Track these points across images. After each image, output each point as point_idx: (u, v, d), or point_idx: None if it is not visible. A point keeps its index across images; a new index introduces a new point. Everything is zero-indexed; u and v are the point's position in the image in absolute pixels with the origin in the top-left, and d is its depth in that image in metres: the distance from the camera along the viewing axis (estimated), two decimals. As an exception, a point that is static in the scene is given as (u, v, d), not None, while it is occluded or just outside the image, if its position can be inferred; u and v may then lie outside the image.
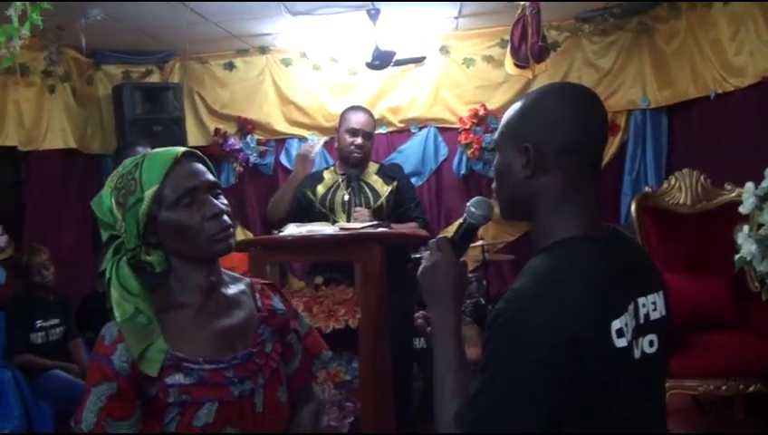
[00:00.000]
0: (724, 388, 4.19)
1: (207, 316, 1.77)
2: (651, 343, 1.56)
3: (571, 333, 1.41)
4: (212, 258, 1.79)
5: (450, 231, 6.39)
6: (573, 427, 1.46)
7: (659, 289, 1.64)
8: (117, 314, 1.67)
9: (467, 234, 1.79)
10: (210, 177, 1.78)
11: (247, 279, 1.96)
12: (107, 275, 1.71)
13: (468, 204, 1.79)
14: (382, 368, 3.57)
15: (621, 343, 1.48)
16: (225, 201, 1.79)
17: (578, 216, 1.58)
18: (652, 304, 1.59)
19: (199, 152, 1.83)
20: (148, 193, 1.68)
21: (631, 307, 1.54)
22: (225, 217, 1.75)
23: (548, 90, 1.65)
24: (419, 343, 4.92)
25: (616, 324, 1.47)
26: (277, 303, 1.95)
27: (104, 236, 1.77)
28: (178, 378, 1.67)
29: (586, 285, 1.48)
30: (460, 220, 1.80)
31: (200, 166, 1.78)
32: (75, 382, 4.79)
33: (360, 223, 3.93)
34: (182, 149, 1.77)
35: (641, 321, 1.55)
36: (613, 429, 1.49)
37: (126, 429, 1.62)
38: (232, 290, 1.86)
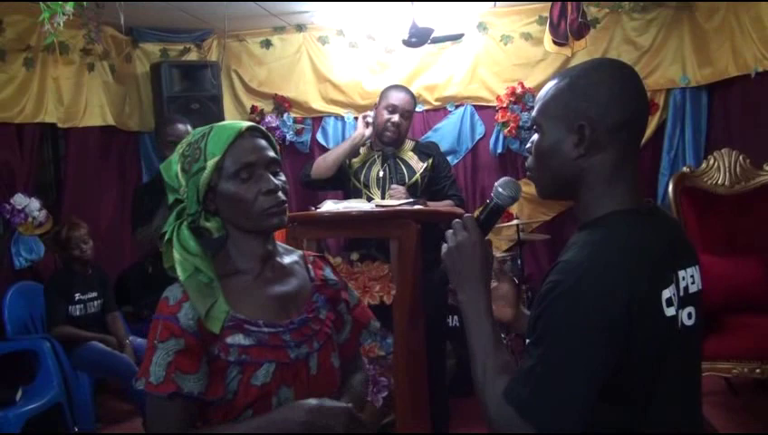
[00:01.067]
0: (758, 371, 4.13)
1: (264, 282, 1.85)
2: (690, 316, 1.57)
3: (626, 301, 1.42)
4: (264, 231, 1.85)
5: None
6: (622, 398, 1.48)
7: (696, 263, 1.64)
8: (179, 272, 1.75)
9: (494, 214, 1.77)
10: (271, 153, 1.84)
11: (300, 251, 2.04)
12: (167, 237, 1.79)
13: (496, 184, 1.77)
14: (416, 344, 3.58)
15: (670, 312, 1.50)
16: (284, 178, 1.86)
17: (626, 190, 1.58)
18: (690, 277, 1.60)
19: (264, 128, 1.89)
20: (210, 163, 1.76)
21: (674, 279, 1.55)
22: (280, 194, 1.81)
23: (592, 66, 1.64)
24: (453, 320, 4.93)
25: (666, 293, 1.50)
26: (328, 273, 2.03)
27: (170, 199, 1.85)
28: (239, 338, 1.75)
29: (638, 254, 1.49)
30: (487, 200, 1.79)
31: (263, 141, 1.84)
32: (112, 354, 4.88)
33: (397, 200, 3.94)
34: (248, 123, 1.85)
35: (681, 293, 1.55)
36: (658, 402, 1.50)
37: (194, 382, 1.69)
38: (286, 260, 1.95)
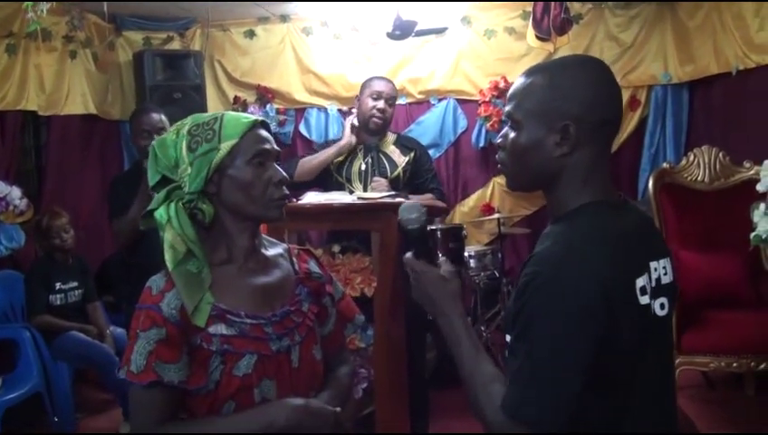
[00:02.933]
0: (735, 365, 4.20)
1: (248, 274, 1.87)
2: (662, 306, 1.59)
3: (605, 289, 1.44)
4: (263, 221, 1.91)
5: (467, 205, 6.44)
6: (600, 388, 1.49)
7: (668, 255, 1.67)
8: (168, 258, 1.76)
9: (418, 240, 1.84)
10: (277, 148, 1.90)
11: (285, 245, 2.06)
12: (165, 217, 1.78)
13: (400, 210, 1.85)
14: (397, 336, 3.59)
15: (644, 300, 1.53)
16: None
17: (600, 185, 1.60)
18: (663, 269, 1.62)
19: (270, 125, 1.95)
20: (226, 145, 1.79)
21: (647, 269, 1.57)
22: (285, 187, 1.87)
23: (572, 64, 1.65)
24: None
25: (639, 282, 1.52)
26: (313, 266, 2.05)
27: (154, 178, 1.84)
28: (221, 328, 1.77)
29: (612, 243, 1.52)
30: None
31: (270, 136, 1.90)
32: (92, 343, 4.87)
33: (378, 193, 3.94)
34: (260, 117, 1.91)
35: (653, 284, 1.58)
36: (636, 392, 1.53)
37: (174, 371, 1.70)
38: (271, 252, 1.97)
